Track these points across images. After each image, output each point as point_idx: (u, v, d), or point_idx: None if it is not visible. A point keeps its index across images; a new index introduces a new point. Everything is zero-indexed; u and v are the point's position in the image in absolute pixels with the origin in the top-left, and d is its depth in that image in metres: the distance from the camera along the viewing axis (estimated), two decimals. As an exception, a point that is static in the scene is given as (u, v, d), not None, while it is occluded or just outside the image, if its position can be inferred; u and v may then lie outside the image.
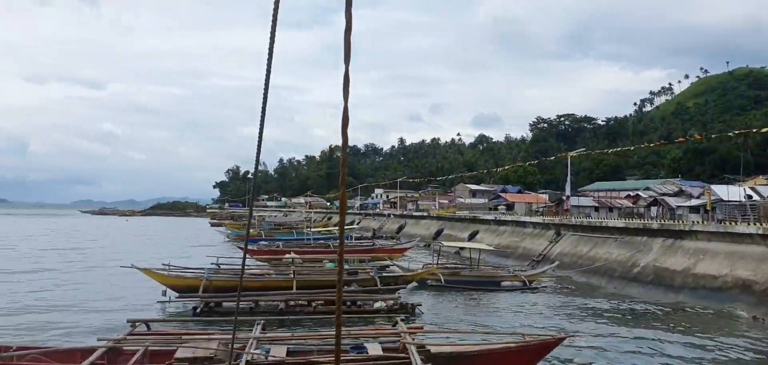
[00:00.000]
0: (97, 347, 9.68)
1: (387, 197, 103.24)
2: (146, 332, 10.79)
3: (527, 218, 44.07)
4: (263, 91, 2.64)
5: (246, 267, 22.93)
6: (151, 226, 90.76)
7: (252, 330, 11.24)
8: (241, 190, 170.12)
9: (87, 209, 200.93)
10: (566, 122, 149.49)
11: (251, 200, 3.65)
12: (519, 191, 78.00)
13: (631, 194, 58.44)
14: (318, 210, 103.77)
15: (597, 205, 52.39)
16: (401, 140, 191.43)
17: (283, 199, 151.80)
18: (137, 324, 11.17)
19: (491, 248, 32.76)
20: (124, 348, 9.84)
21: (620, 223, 32.30)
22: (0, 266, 30.14)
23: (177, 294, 18.89)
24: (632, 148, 71.83)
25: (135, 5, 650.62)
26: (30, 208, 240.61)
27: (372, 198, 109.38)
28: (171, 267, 20.40)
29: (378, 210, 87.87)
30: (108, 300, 20.45)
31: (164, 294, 18.54)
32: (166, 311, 18.15)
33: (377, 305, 18.08)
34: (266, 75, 2.57)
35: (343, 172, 2.09)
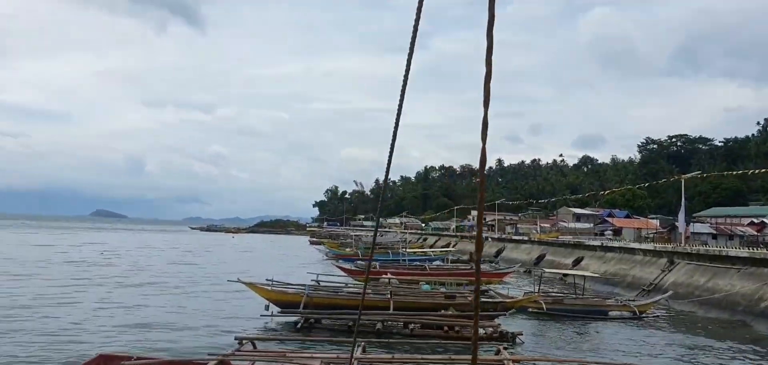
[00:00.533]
0: (207, 361, 10.16)
1: (485, 219, 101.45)
2: (252, 350, 11.21)
3: (637, 245, 41.52)
4: (396, 113, 2.60)
5: (344, 286, 23.31)
6: (254, 243, 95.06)
7: (352, 349, 11.28)
8: (338, 210, 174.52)
9: (196, 226, 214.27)
10: (678, 143, 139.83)
11: (378, 216, 3.65)
12: (627, 216, 73.85)
13: (755, 221, 53.50)
14: (413, 231, 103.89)
15: (715, 232, 48.34)
16: (499, 161, 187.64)
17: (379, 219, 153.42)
18: (244, 341, 11.70)
19: (597, 275, 31.08)
20: (232, 362, 10.29)
21: (744, 252, 29.52)
22: (120, 278, 32.50)
23: (279, 309, 19.46)
24: (756, 171, 65.81)
25: (242, 35, 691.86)
26: (146, 223, 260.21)
27: (469, 220, 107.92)
28: (274, 283, 21.09)
29: (475, 233, 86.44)
30: (216, 311, 21.48)
31: (267, 308, 19.15)
32: (268, 325, 18.74)
33: (476, 331, 17.59)
34: (400, 100, 2.55)
35: (479, 210, 2.06)
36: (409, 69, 2.47)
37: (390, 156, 2.76)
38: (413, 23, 2.36)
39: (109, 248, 61.11)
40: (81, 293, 24.88)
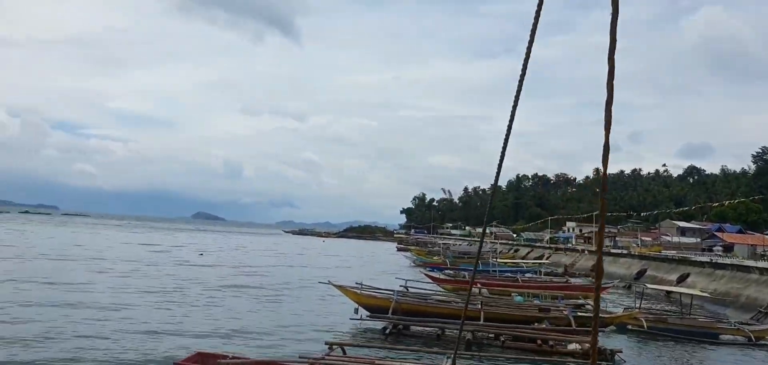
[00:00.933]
0: (300, 363, 10.26)
1: (580, 231, 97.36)
2: (341, 356, 11.21)
3: (752, 263, 38.04)
4: (509, 117, 2.45)
5: (432, 293, 23.00)
6: (343, 247, 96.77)
7: (441, 359, 11.04)
8: (426, 217, 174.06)
9: (289, 229, 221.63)
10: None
11: (485, 224, 3.34)
12: (739, 231, 68.09)
13: None
14: (503, 241, 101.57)
15: None
16: (596, 171, 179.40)
17: (467, 228, 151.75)
18: (334, 347, 11.75)
19: (706, 294, 28.71)
20: (323, 367, 10.34)
21: None
22: (217, 279, 33.98)
23: (368, 314, 19.49)
24: None
25: (334, 45, 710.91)
26: (241, 226, 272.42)
27: (563, 232, 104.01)
28: (363, 287, 21.20)
29: (570, 245, 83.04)
30: (307, 312, 21.90)
31: (356, 311, 19.29)
32: (357, 328, 18.80)
33: (571, 347, 16.71)
34: (514, 103, 2.43)
35: (600, 235, 2.01)
36: (524, 72, 2.44)
37: (500, 161, 2.70)
38: (531, 27, 2.29)
39: (207, 249, 64.39)
40: (180, 291, 26.19)
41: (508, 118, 2.48)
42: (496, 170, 2.65)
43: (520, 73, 2.34)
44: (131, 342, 15.05)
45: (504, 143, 2.59)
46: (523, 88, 2.34)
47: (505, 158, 2.55)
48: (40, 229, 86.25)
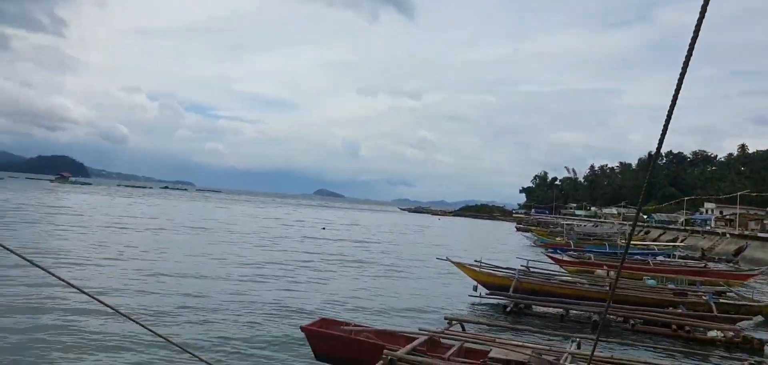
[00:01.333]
0: (419, 335, 10.31)
1: (721, 213, 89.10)
2: (460, 331, 11.13)
3: None
4: (675, 88, 2.16)
5: (556, 274, 22.22)
6: (459, 225, 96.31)
7: (565, 341, 10.60)
8: (547, 196, 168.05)
9: (404, 207, 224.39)
10: None
11: (640, 205, 3.04)
12: None
13: None
14: (633, 223, 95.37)
15: None
16: (742, 147, 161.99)
17: (592, 208, 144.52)
18: (453, 322, 11.70)
19: None
20: (442, 340, 10.30)
21: None
22: (338, 252, 35.22)
23: (487, 291, 19.22)
24: None
25: (450, 20, 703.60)
26: (359, 203, 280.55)
27: (700, 213, 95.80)
28: (482, 264, 20.89)
29: (709, 228, 76.23)
30: (423, 288, 22.01)
31: (475, 289, 19.08)
32: (476, 306, 18.61)
33: (711, 334, 15.38)
34: (681, 73, 2.13)
35: None
36: (697, 34, 2.03)
37: (661, 138, 2.35)
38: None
39: (330, 224, 67.04)
40: (305, 263, 27.45)
41: (674, 89, 2.19)
42: (656, 146, 2.36)
43: (691, 36, 2.03)
44: (261, 307, 15.99)
45: (666, 118, 2.29)
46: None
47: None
48: (179, 203, 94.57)
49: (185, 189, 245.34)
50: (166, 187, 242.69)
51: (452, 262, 21.35)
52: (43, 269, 3.36)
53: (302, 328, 10.87)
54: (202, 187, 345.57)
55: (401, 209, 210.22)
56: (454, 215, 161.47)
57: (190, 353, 4.76)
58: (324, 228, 57.21)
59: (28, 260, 3.20)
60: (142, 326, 4.15)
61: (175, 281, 19.18)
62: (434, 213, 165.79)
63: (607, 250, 41.03)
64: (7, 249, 2.97)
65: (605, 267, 26.73)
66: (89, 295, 3.55)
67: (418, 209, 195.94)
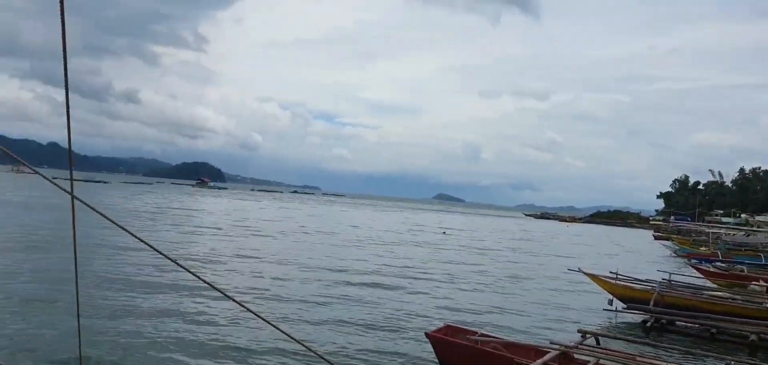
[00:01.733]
0: (550, 349, 9.80)
1: None
2: (595, 346, 10.42)
3: None
4: None
5: (701, 287, 20.29)
6: (591, 233, 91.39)
7: (717, 363, 9.54)
8: (689, 202, 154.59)
9: (530, 212, 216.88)
10: None
11: None
12: None
13: None
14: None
15: None
16: None
17: (743, 215, 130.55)
18: (587, 336, 11.01)
19: None
20: (575, 355, 9.69)
21: None
22: (462, 259, 34.85)
23: (623, 305, 17.98)
24: None
25: (577, 17, 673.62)
26: (481, 208, 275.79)
27: None
28: (619, 276, 19.59)
29: None
30: (553, 300, 20.99)
31: (610, 302, 17.95)
32: (611, 321, 17.44)
33: None
34: None
35: None
36: None
37: None
38: None
39: (451, 228, 66.67)
40: (426, 268, 27.37)
41: None
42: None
43: None
44: (383, 311, 16.12)
45: None
46: None
47: None
48: (308, 207, 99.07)
49: (312, 193, 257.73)
50: (295, 191, 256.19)
51: (585, 273, 20.24)
52: (191, 272, 3.55)
53: (427, 334, 10.74)
54: (327, 191, 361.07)
55: (526, 214, 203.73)
56: (584, 222, 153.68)
57: (327, 361, 4.79)
58: (445, 232, 56.98)
59: (183, 268, 3.38)
60: (283, 332, 4.25)
61: (299, 284, 19.84)
62: (562, 220, 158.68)
63: (763, 262, 36.85)
64: (163, 255, 3.16)
65: (762, 281, 24.03)
66: (236, 302, 3.70)
67: (545, 215, 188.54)
